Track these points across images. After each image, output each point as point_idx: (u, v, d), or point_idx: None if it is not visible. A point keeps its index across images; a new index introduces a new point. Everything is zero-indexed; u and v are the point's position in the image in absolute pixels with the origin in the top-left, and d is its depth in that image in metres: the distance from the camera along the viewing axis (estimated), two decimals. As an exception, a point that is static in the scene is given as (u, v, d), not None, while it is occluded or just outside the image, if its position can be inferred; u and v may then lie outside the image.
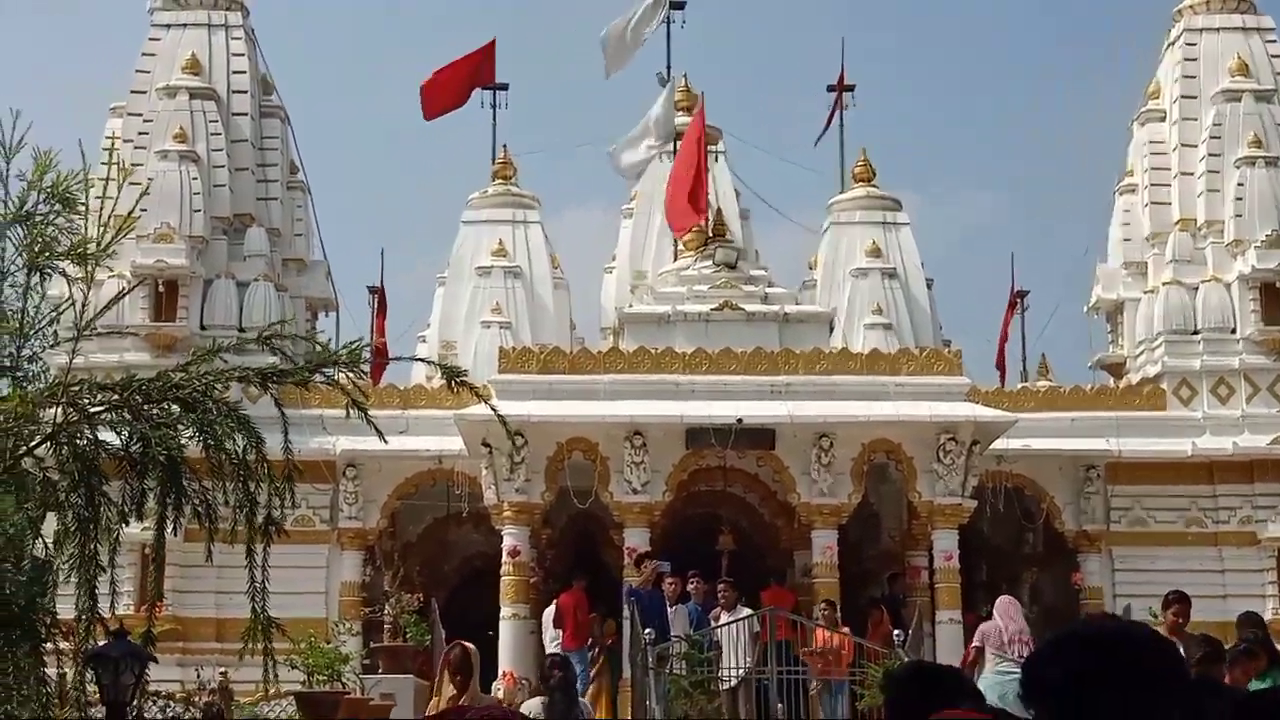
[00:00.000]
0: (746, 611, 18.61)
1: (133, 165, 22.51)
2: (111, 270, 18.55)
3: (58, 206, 7.21)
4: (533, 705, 13.34)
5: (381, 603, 20.38)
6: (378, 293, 28.72)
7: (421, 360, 9.49)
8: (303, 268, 26.26)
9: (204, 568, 17.58)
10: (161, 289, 23.32)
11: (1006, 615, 16.97)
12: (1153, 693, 2.62)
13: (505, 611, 21.31)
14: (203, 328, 24.02)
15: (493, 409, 8.59)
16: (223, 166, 24.84)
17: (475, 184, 29.31)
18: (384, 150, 66.92)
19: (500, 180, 28.93)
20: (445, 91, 28.75)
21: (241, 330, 23.27)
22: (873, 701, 16.83)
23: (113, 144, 23.60)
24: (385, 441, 9.16)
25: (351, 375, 8.76)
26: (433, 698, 10.74)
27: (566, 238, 40.63)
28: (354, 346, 8.68)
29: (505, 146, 29.70)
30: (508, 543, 21.65)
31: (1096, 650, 2.67)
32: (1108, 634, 2.71)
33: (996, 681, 16.49)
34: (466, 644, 10.05)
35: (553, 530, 24.42)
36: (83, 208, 7.37)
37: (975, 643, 17.23)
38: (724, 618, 18.25)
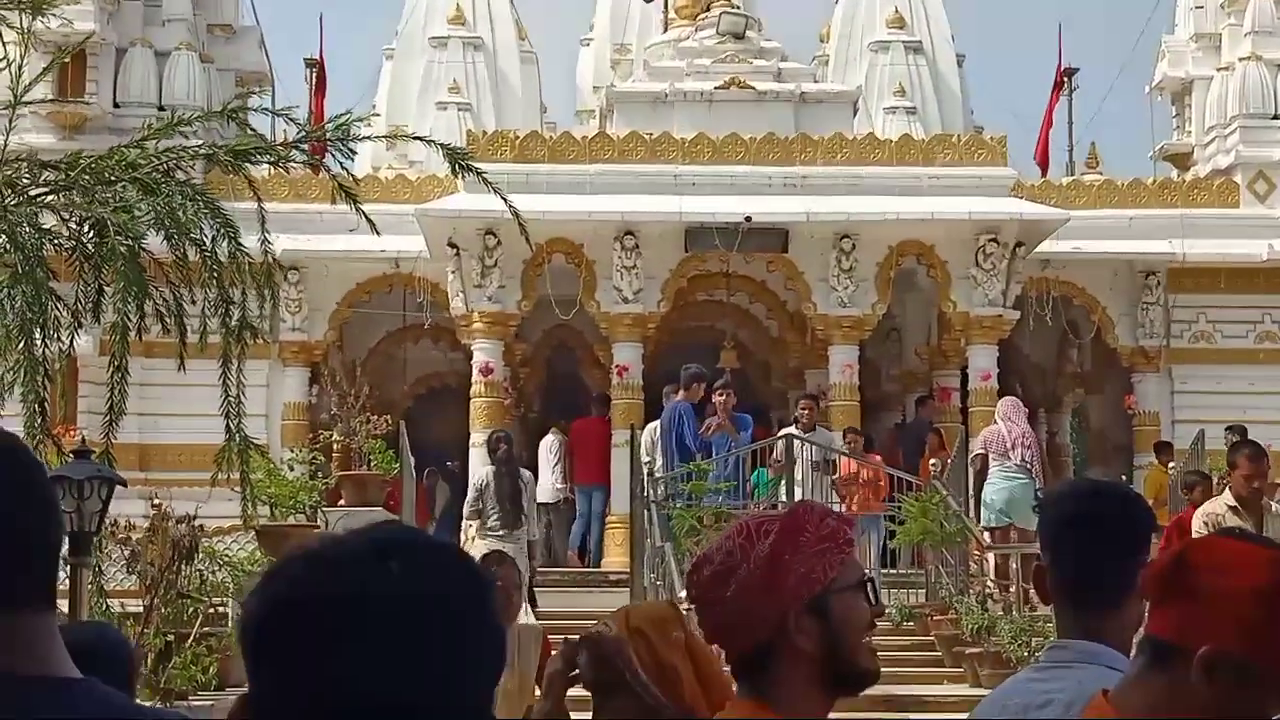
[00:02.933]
0: (826, 434, 18.86)
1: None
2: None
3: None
4: (482, 474, 16.50)
5: (330, 426, 20.38)
6: (316, 66, 28.25)
7: (419, 139, 9.25)
8: (231, 35, 25.85)
9: (141, 386, 17.53)
10: (67, 59, 22.86)
11: (1008, 418, 17.52)
12: None
13: (475, 438, 21.31)
14: (116, 105, 23.71)
15: (504, 199, 8.40)
16: (138, -90, 24.28)
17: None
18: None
19: (459, -67, 28.37)
20: None
21: (161, 108, 22.90)
22: (906, 538, 17.02)
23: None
24: (378, 233, 8.99)
25: (340, 158, 8.58)
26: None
27: (535, 3, 39.96)
28: (343, 120, 8.49)
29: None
30: (478, 359, 21.62)
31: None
32: None
33: (1003, 487, 17.12)
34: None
35: (527, 346, 24.46)
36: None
37: (978, 449, 17.70)
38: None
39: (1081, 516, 3.28)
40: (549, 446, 22.22)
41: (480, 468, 18.02)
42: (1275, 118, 24.59)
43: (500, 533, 15.75)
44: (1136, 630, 2.76)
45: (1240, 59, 24.91)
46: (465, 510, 16.74)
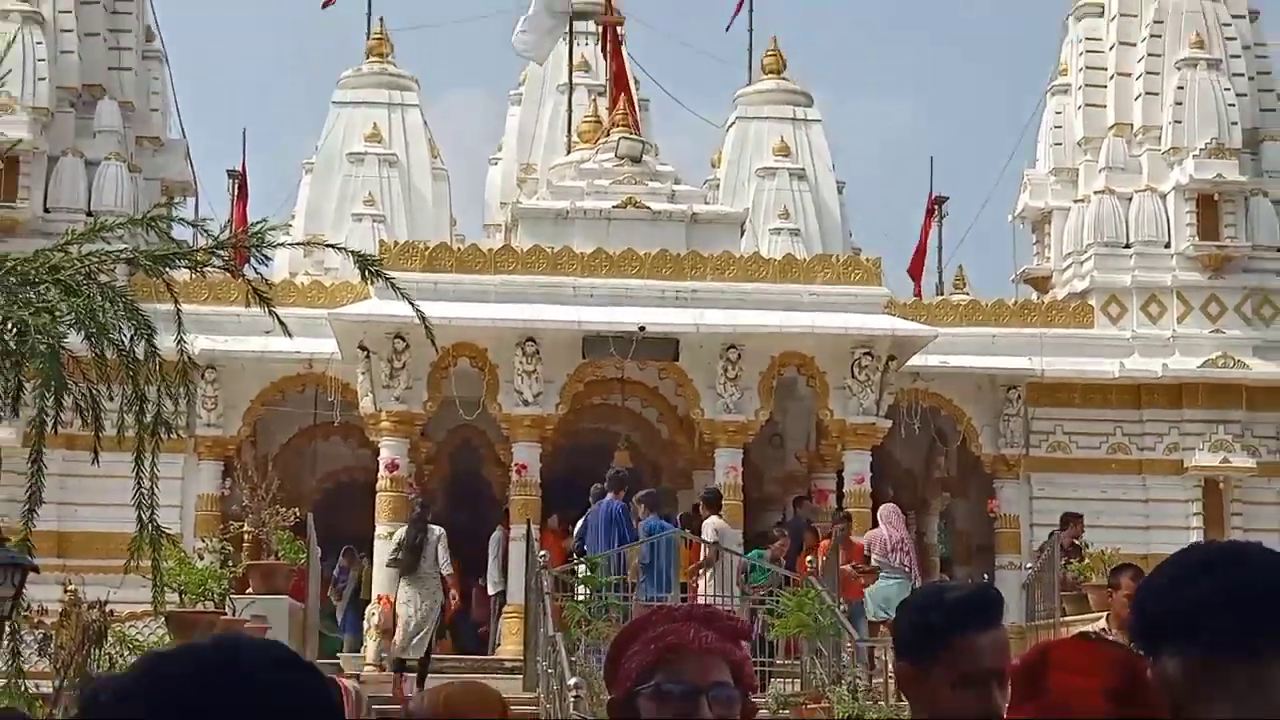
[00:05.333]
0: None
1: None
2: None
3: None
4: (398, 534, 18.71)
5: (241, 517, 20.11)
6: (239, 177, 28.17)
7: (332, 246, 9.21)
8: (159, 147, 25.70)
9: (60, 477, 17.23)
10: (0, 166, 22.67)
11: (889, 522, 18.69)
12: None
13: (381, 530, 21.09)
14: (46, 210, 23.45)
15: (413, 305, 8.36)
16: (71, 31, 24.13)
17: (348, 62, 28.84)
18: (249, 20, 65.56)
19: (376, 58, 28.43)
20: None
21: (89, 214, 22.70)
22: (784, 630, 16.98)
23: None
24: (290, 335, 8.90)
25: (257, 263, 8.49)
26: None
27: (447, 124, 40.15)
28: (259, 228, 8.42)
29: (381, 20, 29.24)
30: (385, 455, 21.44)
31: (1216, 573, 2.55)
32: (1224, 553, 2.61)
33: (885, 585, 18.16)
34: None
35: (432, 444, 24.28)
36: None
37: (864, 551, 18.65)
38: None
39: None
40: (495, 540, 21.96)
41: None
42: (1127, 246, 24.95)
43: (403, 574, 18.05)
44: None
45: (1095, 192, 25.32)
46: (386, 561, 19.09)
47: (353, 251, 8.30)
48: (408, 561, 17.95)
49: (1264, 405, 24.26)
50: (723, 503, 20.24)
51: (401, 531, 18.74)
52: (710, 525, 19.39)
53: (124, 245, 9.73)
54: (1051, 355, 24.18)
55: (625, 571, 18.28)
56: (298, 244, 9.86)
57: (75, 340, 8.03)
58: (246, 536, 18.79)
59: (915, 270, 30.50)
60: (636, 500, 19.31)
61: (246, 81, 59.49)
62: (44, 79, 23.54)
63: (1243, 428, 24.14)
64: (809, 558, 18.70)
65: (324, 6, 29.26)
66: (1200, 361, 24.08)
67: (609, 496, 19.02)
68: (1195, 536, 23.62)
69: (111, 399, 8.18)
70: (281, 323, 8.64)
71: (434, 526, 18.49)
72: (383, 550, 21.01)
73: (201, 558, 17.15)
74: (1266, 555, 2.54)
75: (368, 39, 28.92)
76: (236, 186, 28.17)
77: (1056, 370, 24.09)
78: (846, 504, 22.00)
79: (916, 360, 22.61)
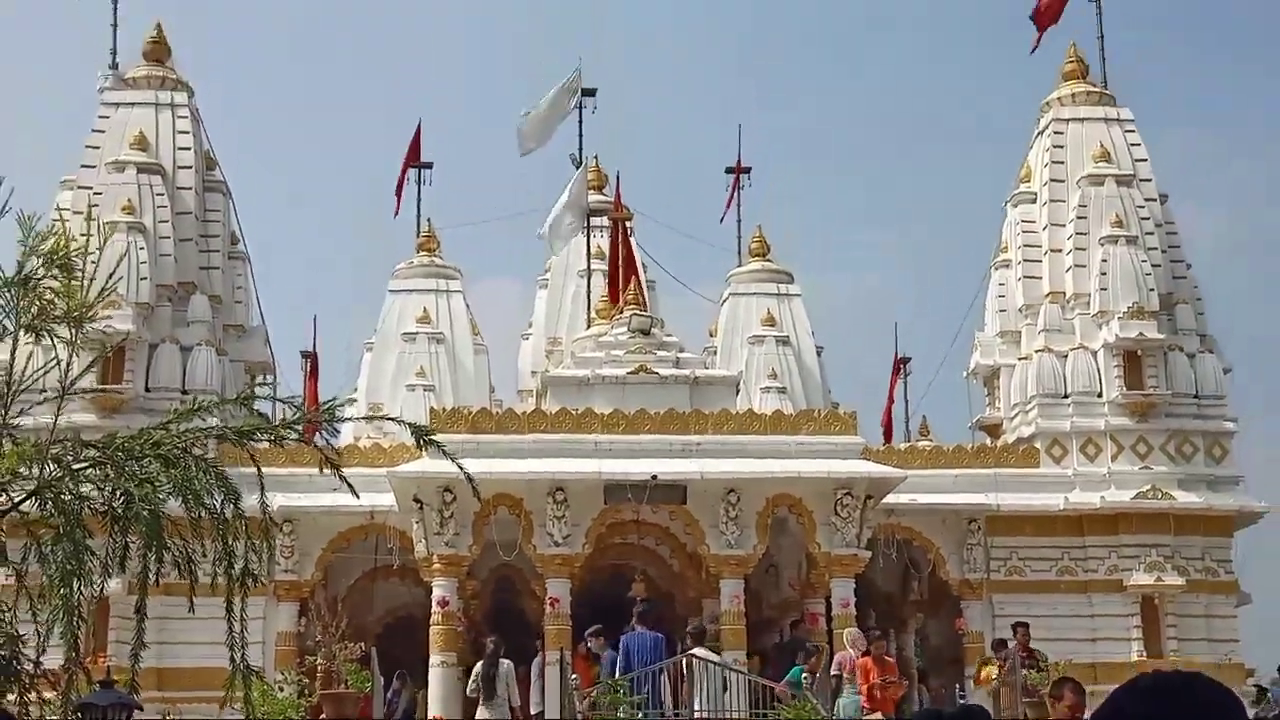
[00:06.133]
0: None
1: (83, 236, 22.02)
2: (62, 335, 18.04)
3: (55, 272, 6.95)
4: (475, 669, 19.48)
5: (315, 651, 19.91)
6: (311, 357, 28.31)
7: (391, 419, 9.24)
8: (242, 333, 25.85)
9: (160, 620, 17.11)
10: (109, 352, 22.81)
11: (854, 645, 18.84)
12: None
13: (434, 659, 20.91)
14: (147, 390, 23.54)
15: (459, 466, 8.37)
16: (168, 237, 24.43)
17: (402, 254, 29.21)
18: (319, 222, 66.48)
19: (425, 252, 28.82)
20: (400, 189, 29.92)
21: (184, 392, 22.82)
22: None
23: (78, 214, 23.12)
24: (357, 496, 8.90)
25: (327, 434, 8.50)
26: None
27: (486, 305, 40.50)
28: (329, 405, 8.47)
29: (429, 221, 29.68)
30: (437, 594, 21.28)
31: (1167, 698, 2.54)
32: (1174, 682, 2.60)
33: (851, 702, 18.21)
34: None
35: (476, 581, 24.08)
36: (79, 273, 7.11)
37: (834, 670, 18.42)
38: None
39: None
40: (535, 665, 21.45)
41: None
42: (1065, 397, 24.94)
43: (482, 701, 19.11)
44: None
45: (1036, 351, 25.38)
46: (468, 690, 19.76)
47: (408, 423, 8.33)
48: (486, 691, 18.89)
49: (1189, 530, 24.10)
50: (706, 635, 20.12)
51: (479, 666, 19.37)
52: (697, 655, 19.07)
53: (215, 421, 9.75)
54: (1005, 492, 24.10)
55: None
56: (362, 418, 9.93)
57: (173, 504, 8.05)
58: (319, 668, 18.60)
59: (886, 421, 30.50)
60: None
61: (316, 273, 60.05)
62: (145, 278, 23.78)
63: (1172, 550, 23.95)
64: (805, 674, 18.48)
65: (395, 216, 30.02)
66: (1133, 494, 23.98)
67: (639, 628, 18.82)
68: (1136, 647, 23.42)
69: (204, 556, 8.16)
70: (348, 483, 8.66)
71: (503, 661, 19.24)
72: (438, 676, 20.84)
73: (282, 689, 16.99)
74: (1209, 685, 2.53)
75: (418, 236, 29.31)
76: (309, 365, 28.28)
77: (1010, 504, 23.98)
78: (834, 625, 21.74)
79: (890, 498, 22.53)
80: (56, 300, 7.13)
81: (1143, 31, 62.64)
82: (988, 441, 26.39)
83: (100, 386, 22.50)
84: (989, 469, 24.39)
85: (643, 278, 27.89)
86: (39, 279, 7.03)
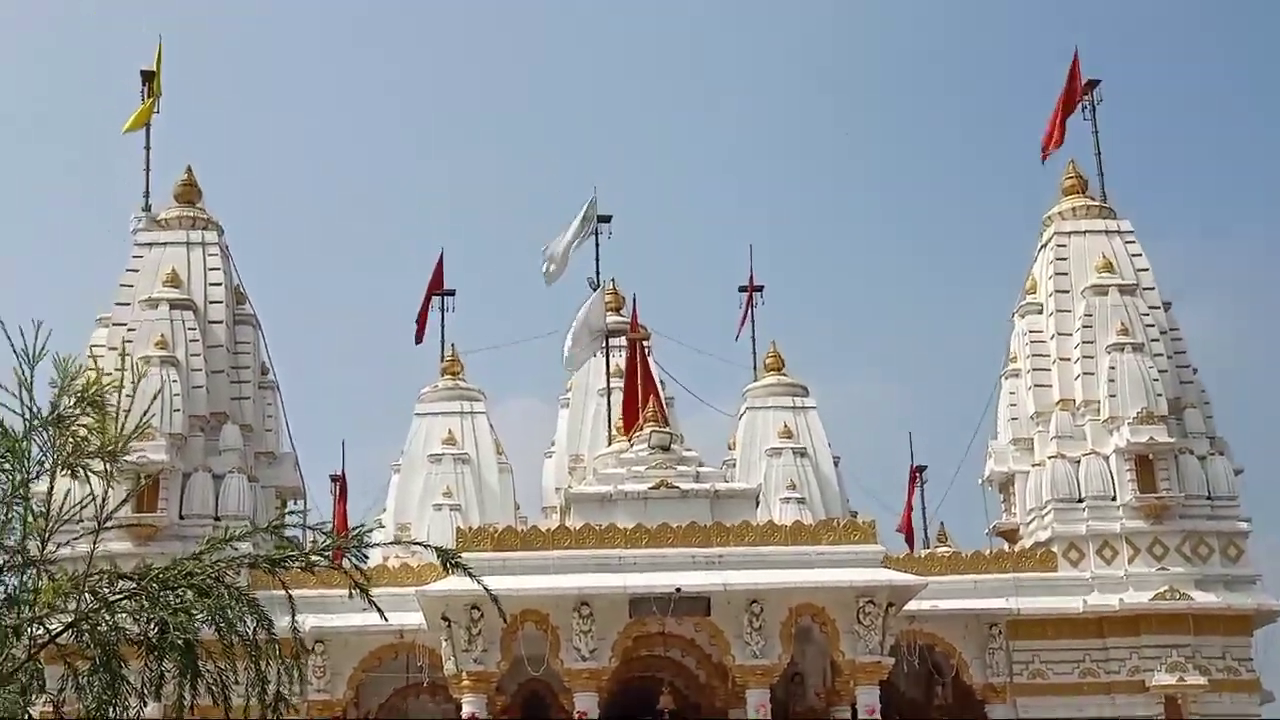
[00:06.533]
0: None
1: (125, 370, 22.14)
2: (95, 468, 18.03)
3: (86, 409, 6.97)
4: None
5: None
6: (339, 480, 28.29)
7: (418, 544, 9.19)
8: (273, 459, 25.83)
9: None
10: (144, 484, 22.82)
11: None
12: None
13: (466, 775, 20.59)
14: (181, 518, 23.51)
15: (484, 586, 8.27)
16: (200, 370, 24.56)
17: (426, 378, 29.27)
18: (345, 349, 66.83)
19: (449, 376, 28.90)
20: (423, 316, 30.11)
21: (217, 519, 22.79)
22: None
23: (112, 350, 23.25)
24: (385, 618, 8.81)
25: (354, 559, 8.45)
26: None
27: (509, 426, 40.26)
28: (357, 532, 8.41)
29: (453, 345, 29.80)
30: (466, 710, 21.03)
31: None
32: None
33: None
34: None
35: (505, 696, 23.77)
36: (111, 410, 7.13)
37: None
38: None
39: None
40: None
41: None
42: (1079, 501, 24.75)
43: None
44: None
45: (1049, 457, 25.23)
46: None
47: (433, 546, 8.24)
48: None
49: (1209, 630, 23.76)
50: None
51: None
52: None
53: (247, 548, 9.73)
54: (1025, 596, 23.83)
55: None
56: (390, 542, 9.94)
57: (206, 631, 7.98)
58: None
59: (906, 529, 30.24)
60: None
61: (344, 399, 60.26)
62: (178, 410, 23.87)
63: (1193, 649, 23.60)
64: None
65: (418, 343, 30.17)
66: (1151, 595, 23.69)
67: None
68: (1162, 748, 22.97)
69: (238, 681, 8.07)
70: (377, 606, 8.56)
71: None
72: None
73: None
74: None
75: (441, 361, 29.40)
76: (338, 488, 28.25)
77: (1030, 608, 23.71)
78: (860, 733, 21.41)
79: (912, 605, 22.27)
80: (90, 437, 7.14)
81: (1142, 145, 63.16)
82: (1005, 547, 26.15)
83: (135, 516, 22.47)
84: (1008, 574, 24.15)
85: (661, 395, 27.89)
86: (73, 417, 7.04)
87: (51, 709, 7.85)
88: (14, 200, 68.33)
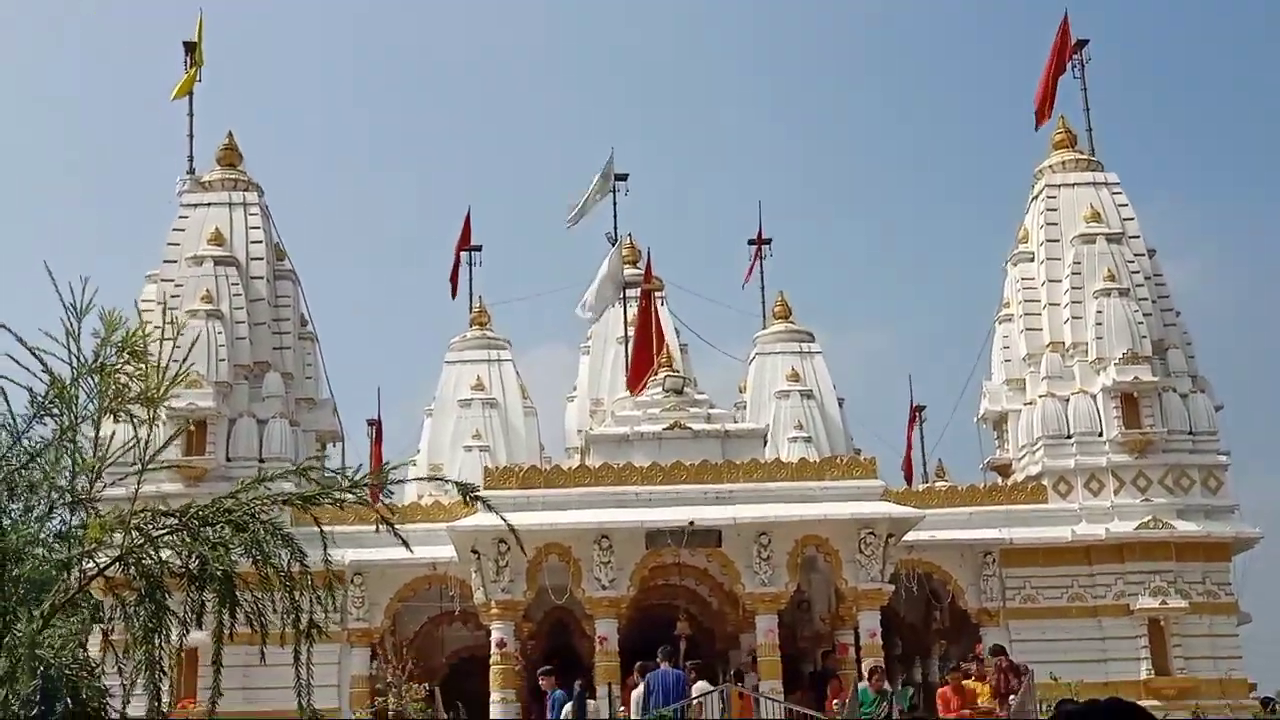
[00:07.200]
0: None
1: (166, 324, 22.29)
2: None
3: (127, 358, 7.08)
4: (566, 709, 19.06)
5: (385, 692, 19.87)
6: (376, 425, 28.46)
7: (442, 479, 9.31)
8: (312, 405, 25.97)
9: (234, 667, 17.13)
10: (192, 427, 23.00)
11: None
12: None
13: (495, 696, 20.83)
14: (228, 460, 23.71)
15: (504, 520, 8.38)
16: (243, 322, 24.68)
17: (456, 329, 29.42)
18: (379, 301, 67.06)
19: (477, 326, 29.00)
20: (455, 273, 30.35)
21: (262, 460, 22.98)
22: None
23: (160, 304, 23.39)
24: (410, 551, 8.94)
25: (384, 497, 8.56)
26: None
27: (534, 372, 40.65)
28: (387, 468, 8.52)
29: (481, 298, 29.89)
30: (495, 636, 21.23)
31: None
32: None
33: None
34: None
35: (532, 624, 24.01)
36: (151, 359, 7.24)
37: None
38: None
39: None
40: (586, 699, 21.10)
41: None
42: (1068, 438, 24.74)
43: None
44: None
45: (1040, 396, 25.21)
46: None
47: (456, 482, 8.33)
48: None
49: (1190, 557, 23.81)
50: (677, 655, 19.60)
51: (568, 709, 19.15)
52: (697, 687, 18.71)
53: (289, 487, 9.88)
54: (1017, 526, 23.90)
55: None
56: (418, 479, 10.08)
57: (245, 564, 8.10)
58: (390, 708, 18.55)
59: (907, 465, 30.31)
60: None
61: (380, 349, 60.51)
62: (223, 360, 24.02)
63: (1175, 575, 23.65)
64: (834, 700, 18.29)
65: (453, 298, 30.26)
66: (1135, 525, 23.72)
67: (664, 665, 18.47)
68: (1145, 666, 23.12)
69: (275, 610, 8.19)
70: (403, 539, 8.66)
71: (590, 702, 19.06)
72: (498, 710, 20.72)
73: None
74: (1130, 709, 2.63)
75: (470, 312, 29.50)
76: (375, 431, 28.43)
77: (1022, 538, 23.76)
78: (862, 654, 21.53)
79: (910, 536, 22.34)
80: (131, 384, 7.25)
81: (1129, 104, 62.59)
82: (999, 481, 26.20)
83: (185, 459, 22.66)
84: (1001, 506, 24.21)
85: (674, 342, 27.95)
86: (114, 367, 7.15)
87: (101, 636, 8.00)
88: (70, 167, 68.52)
